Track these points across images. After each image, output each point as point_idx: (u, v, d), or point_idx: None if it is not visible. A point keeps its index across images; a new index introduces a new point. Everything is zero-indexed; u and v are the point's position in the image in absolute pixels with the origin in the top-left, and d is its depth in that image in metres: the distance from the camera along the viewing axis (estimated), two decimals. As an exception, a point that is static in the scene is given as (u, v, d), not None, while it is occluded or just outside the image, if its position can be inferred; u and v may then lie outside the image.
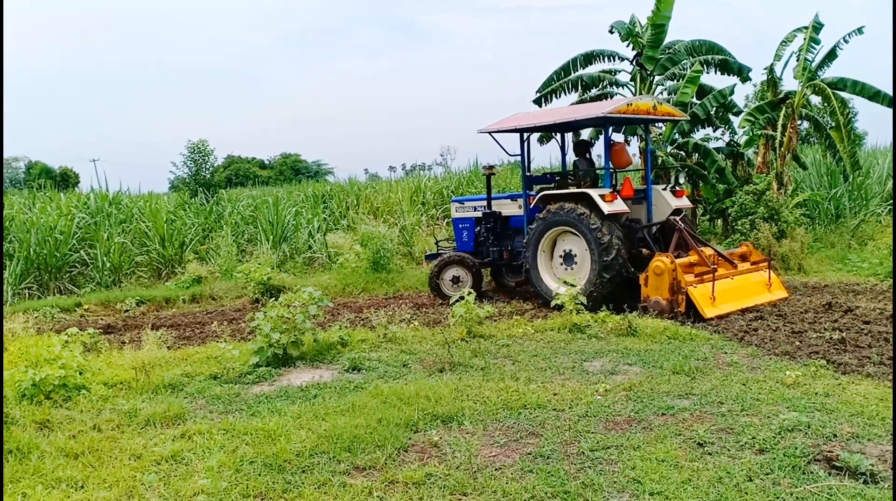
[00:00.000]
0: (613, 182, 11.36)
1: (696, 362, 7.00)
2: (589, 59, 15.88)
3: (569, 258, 10.57)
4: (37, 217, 16.06)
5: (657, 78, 15.52)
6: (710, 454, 4.76)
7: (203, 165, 22.47)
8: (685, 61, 15.26)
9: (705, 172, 15.03)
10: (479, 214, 12.25)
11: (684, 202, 11.08)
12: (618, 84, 16.02)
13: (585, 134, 15.56)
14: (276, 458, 4.85)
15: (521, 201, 11.82)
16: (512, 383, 6.55)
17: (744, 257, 10.74)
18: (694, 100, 15.06)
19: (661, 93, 16.14)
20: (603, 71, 16.08)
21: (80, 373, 6.76)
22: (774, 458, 4.60)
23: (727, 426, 5.25)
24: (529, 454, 4.88)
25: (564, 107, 11.81)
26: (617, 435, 5.16)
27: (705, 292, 9.29)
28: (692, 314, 9.14)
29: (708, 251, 10.25)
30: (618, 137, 11.92)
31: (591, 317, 8.84)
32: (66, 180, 49.04)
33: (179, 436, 5.45)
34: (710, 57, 15.22)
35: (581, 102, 16.02)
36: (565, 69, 15.95)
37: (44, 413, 5.97)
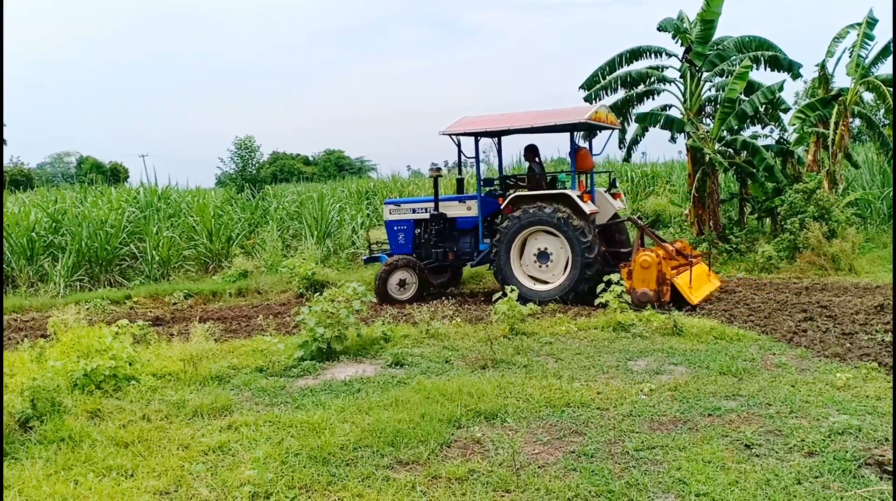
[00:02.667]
0: (585, 185, 11.84)
1: (743, 362, 6.89)
2: (635, 55, 15.72)
3: (543, 257, 10.91)
4: (88, 211, 16.44)
5: (705, 74, 15.29)
6: (757, 456, 4.68)
7: (249, 162, 22.82)
8: (734, 57, 15.00)
9: (754, 170, 14.76)
10: (417, 216, 12.23)
11: (620, 204, 11.77)
12: (665, 80, 15.82)
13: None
14: (321, 451, 4.91)
15: (469, 202, 11.99)
16: (555, 381, 6.52)
17: (679, 252, 11.17)
18: (742, 96, 14.80)
19: (710, 89, 15.91)
20: (650, 67, 15.91)
21: (130, 364, 6.92)
22: (824, 461, 4.50)
23: (775, 428, 5.16)
24: (573, 452, 4.86)
25: (534, 111, 11.83)
26: (662, 435, 5.10)
27: (685, 282, 10.10)
28: (675, 302, 9.89)
29: (669, 247, 10.97)
30: (582, 143, 12.11)
31: (635, 316, 8.75)
32: (116, 175, 50.11)
33: (226, 427, 5.54)
34: (759, 53, 14.95)
35: (627, 98, 15.87)
36: (611, 65, 15.81)
37: (95, 403, 6.12)
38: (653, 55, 15.79)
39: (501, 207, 11.34)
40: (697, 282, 10.50)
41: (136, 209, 17.31)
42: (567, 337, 8.37)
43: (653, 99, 16.03)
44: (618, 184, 15.27)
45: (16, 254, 14.73)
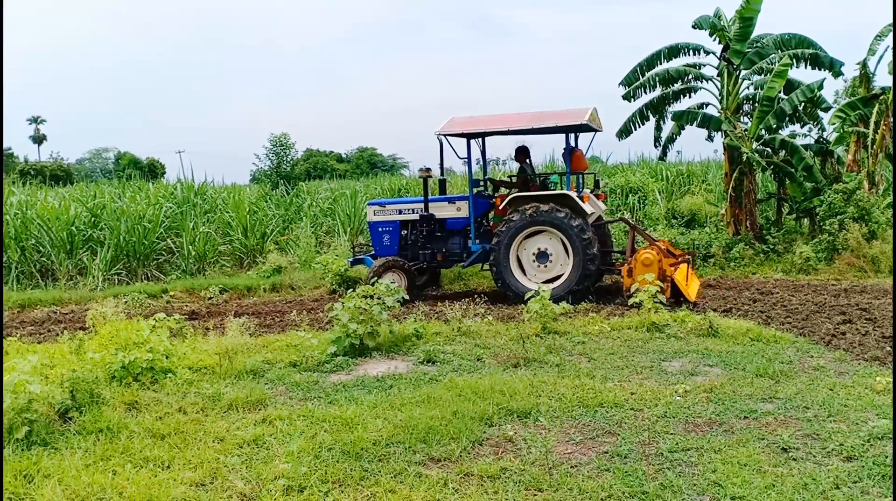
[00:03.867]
0: (575, 186, 11.88)
1: (780, 365, 6.78)
2: (674, 52, 15.56)
3: (543, 257, 11.09)
4: (127, 206, 16.71)
5: (743, 72, 15.07)
6: (794, 459, 4.61)
7: (284, 158, 23.02)
8: (773, 55, 14.76)
9: (792, 170, 14.52)
10: (404, 217, 12.16)
11: (603, 206, 11.99)
12: (702, 78, 15.63)
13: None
14: (354, 446, 4.94)
15: (459, 203, 12.00)
16: (588, 380, 6.48)
17: (669, 251, 11.31)
18: (781, 94, 14.56)
19: (748, 87, 15.68)
20: (687, 65, 15.73)
21: (167, 357, 7.03)
22: (863, 466, 4.42)
23: (813, 431, 5.07)
24: (606, 452, 4.82)
25: (532, 112, 11.90)
26: (697, 437, 5.04)
27: (683, 279, 10.48)
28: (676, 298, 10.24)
29: (661, 246, 11.16)
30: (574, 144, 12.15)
31: (669, 316, 8.67)
32: (153, 171, 50.92)
33: (261, 421, 5.60)
34: (799, 51, 14.70)
35: (664, 96, 15.71)
36: (649, 63, 15.66)
37: (132, 395, 6.23)
38: (691, 52, 15.62)
39: (500, 207, 11.42)
40: (691, 279, 10.91)
41: (174, 205, 17.56)
42: (600, 337, 8.32)
43: (689, 97, 15.87)
44: (601, 185, 15.22)
45: (56, 248, 15.03)
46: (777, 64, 14.24)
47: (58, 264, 14.90)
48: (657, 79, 15.60)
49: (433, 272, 12.90)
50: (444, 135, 11.46)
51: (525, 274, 11.17)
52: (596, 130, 11.97)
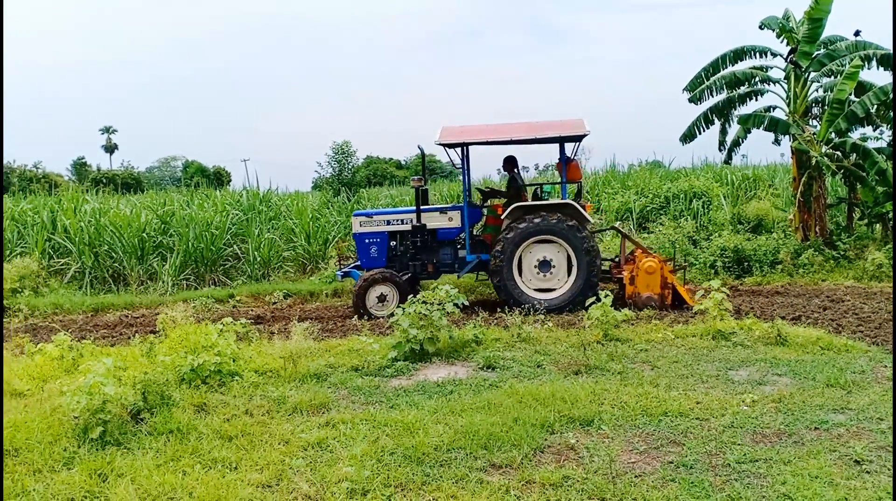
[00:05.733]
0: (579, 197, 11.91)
1: (852, 375, 6.56)
2: (739, 55, 15.22)
3: (545, 266, 11.08)
4: (195, 213, 17.19)
5: (812, 74, 14.65)
6: (868, 472, 4.46)
7: (346, 166, 23.33)
8: (844, 57, 14.30)
9: (864, 174, 14.02)
10: (392, 228, 11.95)
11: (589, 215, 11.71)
12: (769, 81, 15.25)
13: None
14: (416, 450, 4.97)
15: (451, 213, 11.84)
16: (651, 389, 6.38)
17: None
18: (852, 97, 14.09)
19: (817, 89, 15.24)
20: (753, 68, 15.37)
21: (234, 361, 7.19)
22: (942, 482, 4.25)
23: (887, 443, 4.89)
24: (671, 462, 4.74)
25: (532, 122, 11.83)
26: (765, 448, 4.92)
27: (681, 285, 10.87)
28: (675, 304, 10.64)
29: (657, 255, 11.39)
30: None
31: (735, 324, 8.47)
32: (219, 179, 52.30)
33: (324, 424, 5.68)
34: (871, 52, 14.20)
35: (729, 99, 15.39)
36: (714, 66, 15.37)
37: (201, 397, 6.39)
38: (757, 55, 15.26)
39: (502, 216, 11.37)
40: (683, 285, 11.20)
41: (240, 212, 17.97)
42: (663, 345, 8.18)
43: (756, 100, 15.49)
44: (585, 194, 14.99)
45: (127, 253, 15.55)
46: (848, 65, 13.79)
47: (129, 270, 15.41)
48: (723, 82, 15.28)
49: (413, 282, 12.60)
50: (443, 144, 11.38)
51: (526, 284, 11.12)
52: (576, 140, 11.80)
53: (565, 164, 11.56)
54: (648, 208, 19.01)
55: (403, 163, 73.51)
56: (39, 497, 4.43)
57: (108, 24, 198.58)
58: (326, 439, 5.32)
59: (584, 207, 11.16)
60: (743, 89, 15.35)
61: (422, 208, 11.84)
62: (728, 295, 8.99)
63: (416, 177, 12.11)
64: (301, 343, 8.01)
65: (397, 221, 11.98)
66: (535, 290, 11.06)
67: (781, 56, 15.08)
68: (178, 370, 6.80)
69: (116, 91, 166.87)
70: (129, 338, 9.77)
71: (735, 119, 15.64)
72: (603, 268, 11.59)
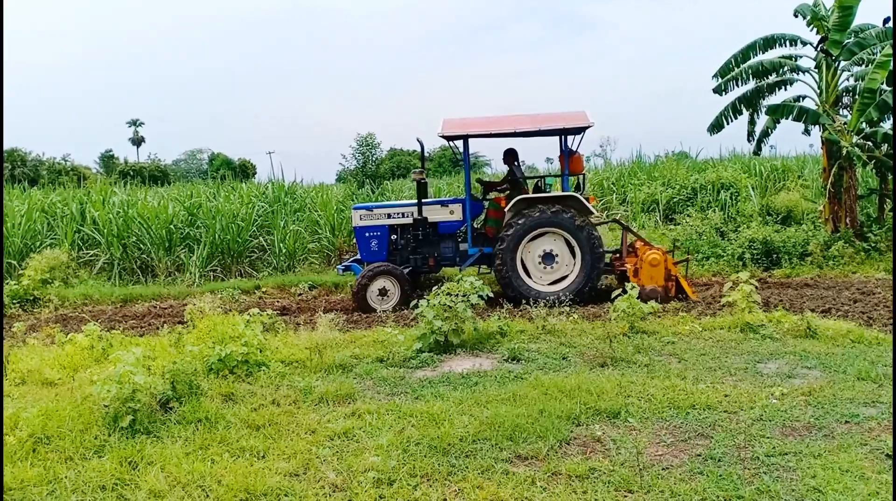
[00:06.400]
0: (583, 189, 11.88)
1: (883, 368, 6.46)
2: (769, 43, 14.97)
3: (549, 258, 11.10)
4: (221, 205, 17.30)
5: (843, 63, 14.39)
6: (901, 467, 4.38)
7: (370, 158, 23.38)
8: (874, 45, 14.03)
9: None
10: (393, 221, 11.86)
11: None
12: (799, 70, 14.99)
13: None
14: (441, 441, 4.97)
15: (452, 206, 11.79)
16: (679, 381, 6.33)
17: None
18: (884, 86, 13.82)
19: (848, 79, 14.97)
20: (783, 56, 15.11)
21: (261, 351, 7.25)
22: (979, 478, 4.17)
23: (920, 438, 4.81)
24: (699, 455, 4.70)
25: (536, 114, 11.69)
26: (795, 442, 4.86)
27: (683, 278, 11.03)
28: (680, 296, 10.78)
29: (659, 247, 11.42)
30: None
31: (764, 316, 8.37)
32: (244, 171, 52.63)
33: (350, 414, 5.71)
34: (903, 39, 13.91)
35: (758, 89, 15.17)
36: (744, 54, 15.13)
37: (229, 387, 6.45)
38: (787, 43, 15.00)
39: (506, 209, 11.31)
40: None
41: (265, 204, 18.07)
42: (691, 337, 8.11)
43: (785, 89, 15.22)
44: (590, 188, 14.90)
45: (155, 245, 15.71)
46: (879, 54, 13.53)
47: (157, 261, 15.58)
48: (751, 71, 15.03)
49: (414, 276, 12.63)
50: (446, 136, 11.33)
51: (530, 276, 11.09)
52: (578, 133, 11.75)
53: (567, 156, 11.54)
54: (675, 200, 18.83)
55: (428, 155, 73.55)
56: (71, 484, 4.50)
57: (134, 18, 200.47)
58: (352, 429, 5.34)
59: (587, 199, 11.14)
60: (772, 79, 15.10)
61: (423, 201, 11.83)
62: (757, 287, 8.88)
63: (416, 170, 12.10)
64: (326, 334, 8.05)
65: (398, 214, 11.93)
66: (539, 282, 11.05)
67: (812, 45, 14.83)
68: (205, 360, 6.88)
69: (142, 84, 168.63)
70: (158, 328, 9.87)
71: (764, 109, 15.42)
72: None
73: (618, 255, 11.86)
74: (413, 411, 5.69)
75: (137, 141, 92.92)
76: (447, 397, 6.11)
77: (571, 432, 5.20)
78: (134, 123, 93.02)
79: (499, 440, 5.02)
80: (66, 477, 4.58)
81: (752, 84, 15.23)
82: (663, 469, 4.51)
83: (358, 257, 12.30)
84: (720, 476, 4.34)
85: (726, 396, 5.90)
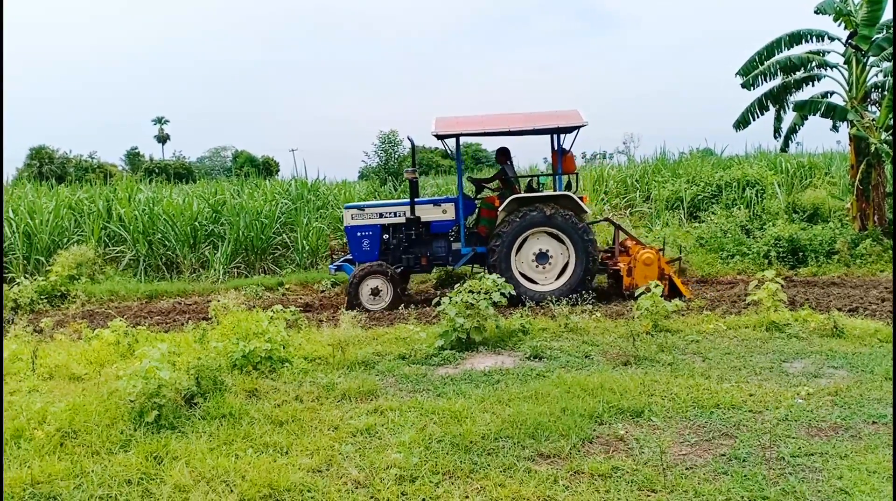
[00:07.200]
0: (574, 188, 11.93)
1: (912, 368, 6.36)
2: (795, 39, 14.75)
3: (543, 257, 11.09)
4: (245, 202, 17.42)
5: (872, 58, 14.17)
6: (930, 469, 4.31)
7: (392, 155, 23.36)
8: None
9: (927, 161, 13.56)
10: (385, 220, 11.76)
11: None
12: (827, 66, 14.78)
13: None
14: (463, 438, 4.97)
15: (444, 205, 11.72)
16: (703, 380, 6.28)
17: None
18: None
19: (877, 74, 14.74)
20: (810, 52, 14.91)
21: (284, 347, 7.29)
22: None
23: (951, 441, 4.73)
24: (723, 455, 4.66)
25: (529, 113, 11.61)
26: (821, 442, 4.80)
27: (677, 277, 11.00)
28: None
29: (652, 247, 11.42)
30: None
31: (790, 315, 8.28)
32: (267, 168, 53.01)
33: (373, 411, 5.73)
34: (935, 33, 13.67)
35: (785, 85, 14.98)
36: (769, 50, 14.92)
37: (252, 383, 6.50)
38: (814, 39, 14.77)
39: (500, 209, 11.25)
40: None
41: (288, 201, 18.15)
42: (715, 336, 8.04)
43: (812, 85, 15.02)
44: (581, 187, 14.89)
45: (180, 242, 15.87)
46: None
47: (182, 258, 15.73)
48: (778, 67, 14.84)
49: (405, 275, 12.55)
50: (438, 135, 11.25)
51: (524, 276, 11.07)
52: (569, 131, 11.67)
53: (561, 155, 11.50)
54: (700, 197, 18.66)
55: (449, 152, 73.53)
56: (98, 477, 4.55)
57: (158, 14, 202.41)
58: (375, 425, 5.36)
59: (581, 198, 11.12)
60: (799, 74, 14.91)
61: (415, 200, 11.78)
62: (782, 286, 8.78)
63: (409, 169, 12.03)
64: (349, 331, 8.08)
65: (390, 213, 11.85)
66: (533, 282, 11.03)
67: (839, 40, 14.61)
68: (229, 356, 6.93)
69: (167, 81, 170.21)
70: (183, 324, 9.98)
71: (791, 105, 15.23)
72: None
73: (609, 254, 11.84)
74: (435, 408, 5.70)
75: (163, 138, 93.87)
76: (469, 394, 6.11)
77: (594, 430, 5.18)
78: (159, 120, 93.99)
79: (521, 438, 5.01)
80: (92, 471, 4.64)
81: (778, 80, 15.05)
82: (687, 468, 4.47)
83: (349, 256, 12.21)
84: (745, 476, 4.30)
85: (751, 395, 5.84)
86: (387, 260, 11.68)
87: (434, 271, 12.85)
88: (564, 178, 11.80)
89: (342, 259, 12.41)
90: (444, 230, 11.82)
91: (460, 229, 11.67)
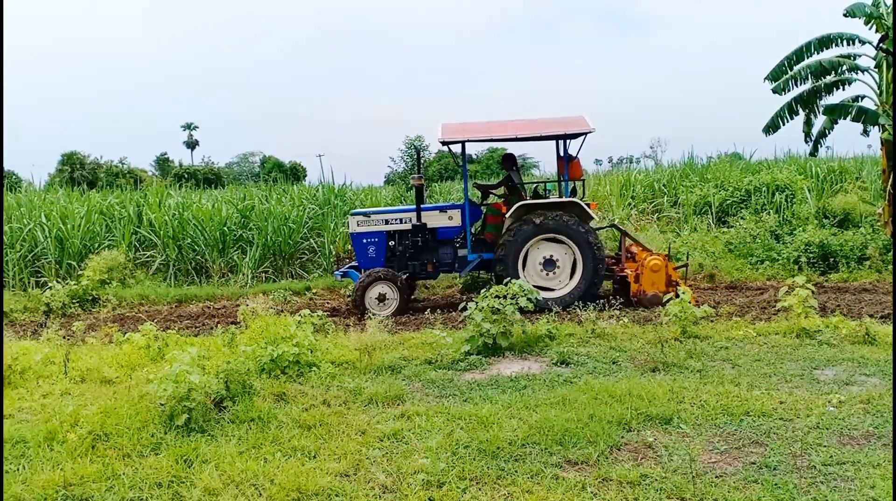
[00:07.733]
0: (581, 194, 12.02)
1: (948, 377, 6.25)
2: (825, 43, 14.57)
3: (550, 264, 11.12)
4: (273, 207, 17.56)
5: (904, 61, 13.95)
6: (967, 480, 4.23)
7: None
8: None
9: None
10: (391, 227, 11.70)
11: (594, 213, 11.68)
12: (858, 69, 14.57)
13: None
14: (490, 444, 4.97)
15: (451, 212, 11.64)
16: (732, 387, 6.21)
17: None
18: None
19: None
20: (841, 56, 14.71)
21: (311, 352, 7.33)
22: None
23: None
24: (753, 463, 4.61)
25: (536, 119, 11.67)
26: (853, 451, 4.74)
27: (684, 283, 10.66)
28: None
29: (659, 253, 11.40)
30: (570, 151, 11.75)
31: (821, 322, 8.17)
32: (295, 174, 53.31)
33: (399, 416, 5.75)
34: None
35: (815, 89, 14.80)
36: (798, 54, 14.75)
37: (280, 387, 6.55)
38: (844, 43, 14.58)
39: (507, 216, 11.21)
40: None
41: (315, 206, 18.26)
42: (745, 342, 7.95)
43: (843, 89, 14.82)
44: (586, 194, 14.87)
45: (209, 246, 16.02)
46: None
47: (211, 262, 15.88)
48: (808, 71, 14.66)
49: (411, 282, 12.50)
50: (443, 142, 11.23)
51: (531, 283, 10.83)
52: (575, 137, 11.56)
53: (567, 162, 11.47)
54: (728, 202, 18.47)
55: (475, 157, 73.52)
56: (129, 480, 4.62)
57: (187, 23, 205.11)
58: (402, 430, 5.38)
59: (588, 205, 11.09)
60: (829, 78, 14.71)
61: (421, 206, 11.76)
62: (813, 292, 8.66)
63: (415, 175, 12.00)
64: (376, 336, 8.12)
65: (396, 220, 11.84)
66: (540, 288, 10.87)
67: (871, 44, 14.41)
68: (258, 360, 6.99)
69: (196, 88, 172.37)
70: (212, 329, 10.08)
71: (821, 110, 15.04)
72: None
73: (614, 260, 11.78)
74: (462, 413, 5.71)
75: (192, 144, 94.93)
76: (496, 400, 6.10)
77: (622, 437, 5.16)
78: (188, 126, 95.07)
79: (548, 444, 5.00)
80: (123, 474, 4.70)
81: (808, 84, 14.86)
82: (717, 476, 4.43)
83: (355, 263, 12.21)
84: (775, 484, 4.25)
85: (782, 403, 5.77)
86: (392, 267, 11.70)
87: (459, 276, 12.85)
88: (571, 184, 11.78)
89: (347, 266, 12.42)
90: (450, 237, 11.82)
91: (466, 235, 11.67)
